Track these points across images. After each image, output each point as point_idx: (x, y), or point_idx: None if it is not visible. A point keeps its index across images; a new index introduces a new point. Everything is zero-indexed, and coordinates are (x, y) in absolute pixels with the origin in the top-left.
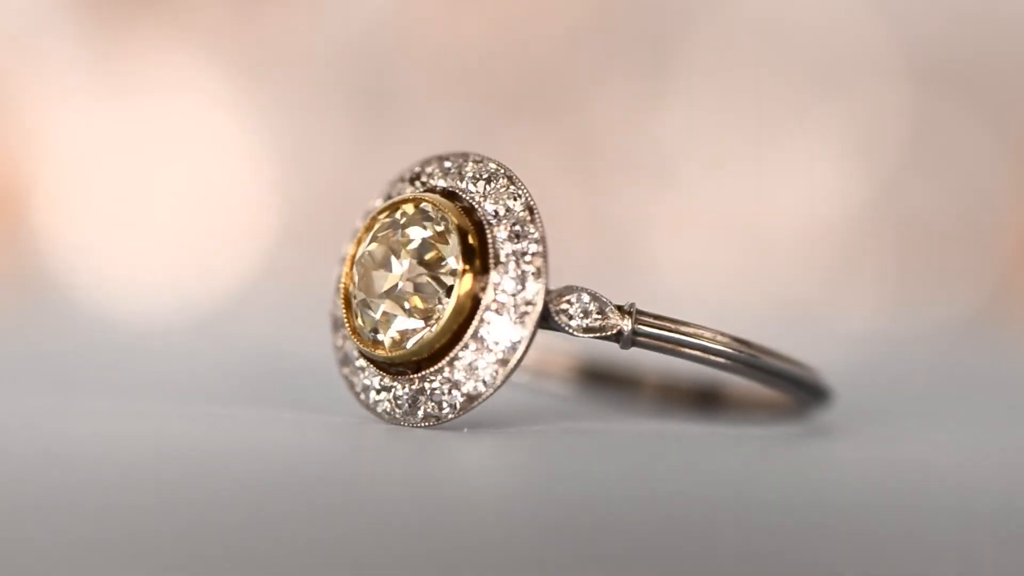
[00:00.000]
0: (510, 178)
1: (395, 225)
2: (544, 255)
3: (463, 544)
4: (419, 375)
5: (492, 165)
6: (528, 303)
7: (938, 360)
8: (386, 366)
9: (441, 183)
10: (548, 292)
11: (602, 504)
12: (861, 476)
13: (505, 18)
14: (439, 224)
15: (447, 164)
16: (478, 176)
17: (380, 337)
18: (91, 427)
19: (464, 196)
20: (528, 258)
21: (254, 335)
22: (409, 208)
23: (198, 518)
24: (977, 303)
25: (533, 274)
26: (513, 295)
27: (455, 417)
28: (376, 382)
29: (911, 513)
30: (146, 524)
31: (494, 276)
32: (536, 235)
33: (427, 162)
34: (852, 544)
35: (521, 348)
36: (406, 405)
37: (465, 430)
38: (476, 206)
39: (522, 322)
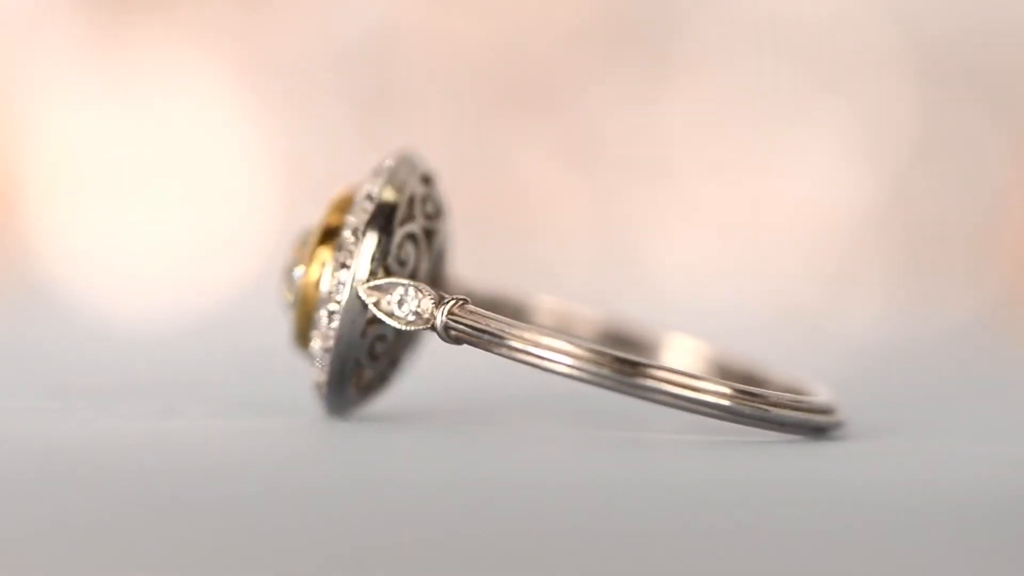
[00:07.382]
0: (387, 171)
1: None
2: (357, 246)
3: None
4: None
5: (390, 160)
6: (340, 293)
7: (945, 366)
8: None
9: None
10: (369, 282)
11: (587, 507)
12: (867, 486)
13: (505, 16)
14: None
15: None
16: (376, 171)
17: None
18: (83, 430)
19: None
20: (348, 249)
21: (254, 338)
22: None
23: (180, 521)
24: (986, 307)
25: (345, 265)
26: (335, 284)
27: (330, 408)
28: None
29: (918, 522)
30: (135, 526)
31: (327, 267)
32: (357, 224)
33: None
34: (854, 555)
35: (333, 336)
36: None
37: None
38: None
39: (336, 311)
